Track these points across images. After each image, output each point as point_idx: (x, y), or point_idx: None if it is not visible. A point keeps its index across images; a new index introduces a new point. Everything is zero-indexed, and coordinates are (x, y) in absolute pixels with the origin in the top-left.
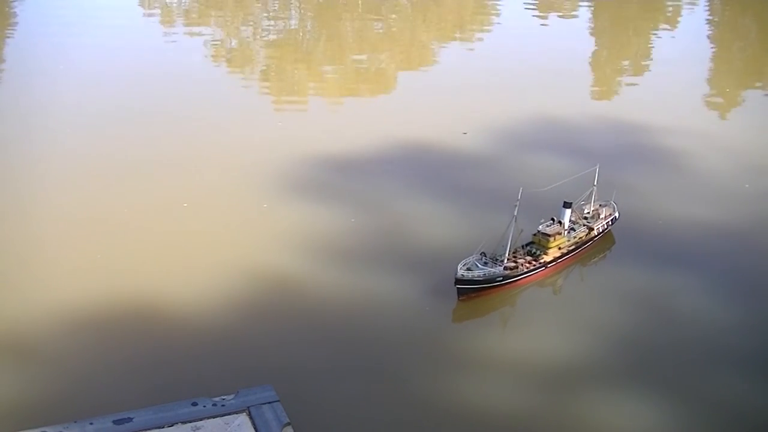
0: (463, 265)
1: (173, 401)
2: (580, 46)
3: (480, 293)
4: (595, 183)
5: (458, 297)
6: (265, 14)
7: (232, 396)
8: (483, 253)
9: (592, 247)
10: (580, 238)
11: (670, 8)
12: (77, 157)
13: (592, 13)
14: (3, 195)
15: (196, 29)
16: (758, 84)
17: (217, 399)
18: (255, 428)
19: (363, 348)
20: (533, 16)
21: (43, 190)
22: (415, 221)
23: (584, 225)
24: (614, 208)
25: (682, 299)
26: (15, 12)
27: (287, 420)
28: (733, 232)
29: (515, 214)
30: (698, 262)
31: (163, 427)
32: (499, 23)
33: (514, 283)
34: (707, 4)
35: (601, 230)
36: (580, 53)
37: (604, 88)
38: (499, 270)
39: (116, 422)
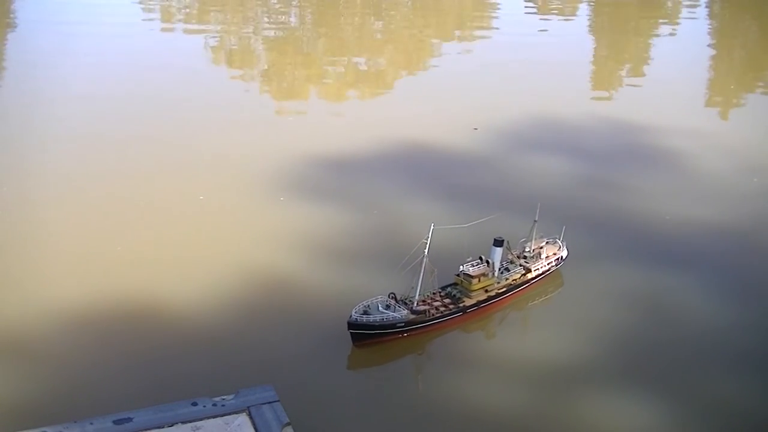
0: (361, 307)
1: (173, 401)
2: (581, 45)
3: (379, 339)
4: (536, 218)
5: (353, 342)
6: (266, 14)
7: (232, 396)
8: (392, 293)
9: (530, 290)
10: (514, 280)
11: (670, 8)
12: (79, 157)
13: (591, 13)
14: (4, 194)
15: (196, 29)
16: (759, 83)
17: (217, 399)
18: (255, 428)
19: (363, 349)
20: (533, 16)
21: (44, 191)
22: (418, 222)
23: (521, 265)
24: (561, 246)
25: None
26: (15, 12)
27: (287, 420)
28: (740, 227)
29: (426, 252)
30: (702, 261)
31: (163, 427)
32: (498, 23)
33: (424, 329)
34: (707, 3)
35: (541, 271)
36: (581, 53)
37: (605, 87)
38: (402, 314)
39: (116, 422)
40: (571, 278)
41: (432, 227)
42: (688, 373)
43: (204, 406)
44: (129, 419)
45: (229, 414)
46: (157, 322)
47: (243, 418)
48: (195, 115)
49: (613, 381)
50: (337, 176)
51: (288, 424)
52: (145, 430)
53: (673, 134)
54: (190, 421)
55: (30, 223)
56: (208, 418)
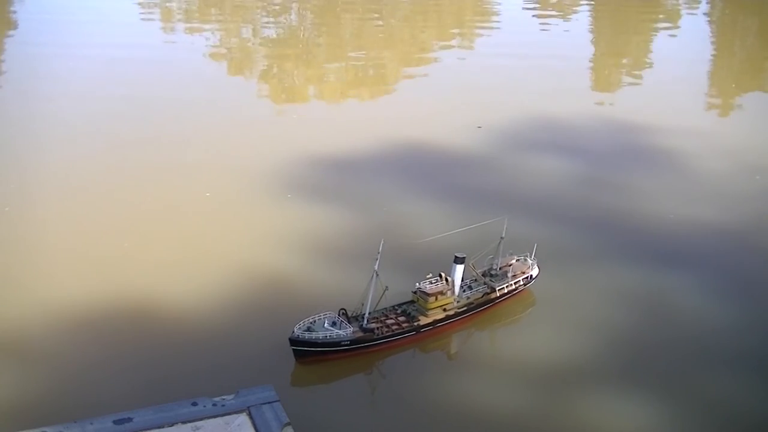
0: (305, 323)
1: (173, 401)
2: (581, 45)
3: (324, 357)
4: (503, 235)
5: (296, 359)
6: (266, 16)
7: (232, 396)
8: (343, 309)
9: (495, 309)
10: (476, 299)
11: (670, 8)
12: (81, 157)
13: (592, 13)
14: (4, 195)
15: (196, 30)
16: (760, 82)
17: (217, 399)
18: (255, 428)
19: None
20: (533, 16)
21: (45, 191)
22: (420, 222)
23: (485, 284)
24: (531, 264)
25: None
26: (15, 12)
27: (287, 420)
28: (742, 225)
29: (376, 268)
30: (704, 260)
31: (163, 427)
32: (498, 23)
33: (373, 348)
34: (707, 3)
35: (506, 291)
36: (581, 53)
37: (605, 87)
38: (347, 332)
39: (116, 422)
40: (561, 282)
41: (382, 243)
42: (687, 373)
43: (204, 406)
44: (129, 419)
45: (229, 414)
46: (158, 321)
47: (243, 418)
48: (197, 114)
49: (606, 384)
50: (341, 176)
51: (288, 424)
52: (145, 430)
53: (674, 133)
54: (190, 421)
55: (31, 222)
56: (208, 418)
